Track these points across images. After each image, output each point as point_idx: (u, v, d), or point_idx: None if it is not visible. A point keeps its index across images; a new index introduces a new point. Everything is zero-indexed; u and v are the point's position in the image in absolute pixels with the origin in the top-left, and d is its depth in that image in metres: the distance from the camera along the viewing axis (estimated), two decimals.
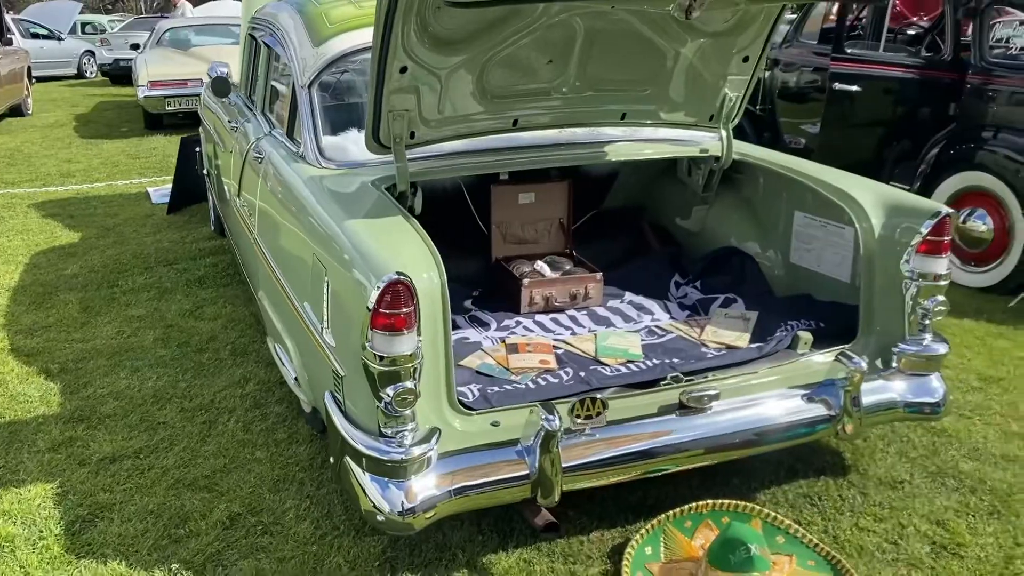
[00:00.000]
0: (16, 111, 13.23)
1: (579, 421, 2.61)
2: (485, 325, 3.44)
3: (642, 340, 3.25)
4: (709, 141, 3.69)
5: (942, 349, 3.12)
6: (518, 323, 3.44)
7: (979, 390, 3.97)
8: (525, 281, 3.52)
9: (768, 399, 2.91)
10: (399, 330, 2.37)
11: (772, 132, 6.98)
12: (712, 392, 2.79)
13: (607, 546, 2.83)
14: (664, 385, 2.84)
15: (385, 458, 2.45)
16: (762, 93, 7.07)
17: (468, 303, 3.62)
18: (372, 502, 2.48)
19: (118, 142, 10.83)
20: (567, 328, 3.41)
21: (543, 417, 2.50)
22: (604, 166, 4.09)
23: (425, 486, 2.49)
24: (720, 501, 2.91)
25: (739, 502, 2.92)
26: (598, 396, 2.64)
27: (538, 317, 3.49)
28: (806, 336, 3.12)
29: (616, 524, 2.93)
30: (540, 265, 3.70)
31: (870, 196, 3.19)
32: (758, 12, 3.27)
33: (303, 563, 2.75)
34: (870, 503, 3.07)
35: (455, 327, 3.37)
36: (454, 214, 3.83)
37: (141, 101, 11.38)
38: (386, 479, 2.47)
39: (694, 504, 2.89)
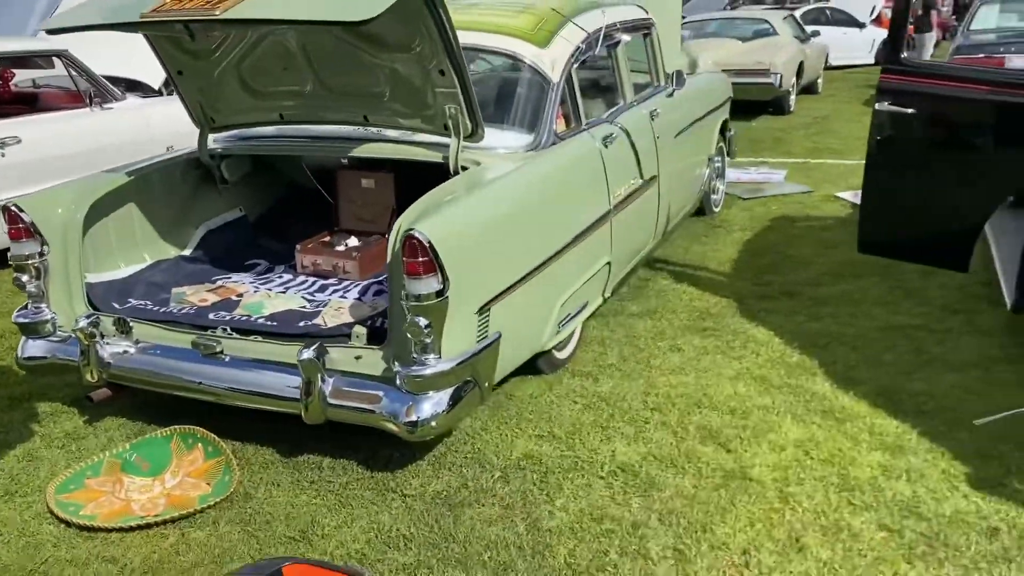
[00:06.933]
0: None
1: (115, 332, 3.59)
2: (267, 272, 4.35)
3: (300, 307, 3.82)
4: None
5: (430, 370, 3.09)
6: (279, 276, 4.26)
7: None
8: (298, 247, 4.31)
9: (269, 369, 3.39)
10: (15, 239, 3.71)
11: None
12: (212, 345, 3.44)
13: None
14: (209, 332, 3.54)
15: (18, 320, 3.83)
16: None
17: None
18: (17, 350, 3.89)
19: None
20: (292, 287, 4.10)
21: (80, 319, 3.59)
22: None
23: (40, 346, 3.80)
24: (209, 434, 3.56)
25: (216, 439, 3.51)
26: (125, 319, 3.57)
27: (301, 276, 4.24)
28: (359, 330, 3.39)
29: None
30: (350, 239, 4.38)
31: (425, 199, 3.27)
32: (414, 26, 3.40)
33: None
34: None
35: (251, 270, 4.38)
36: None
37: None
38: (24, 336, 3.86)
39: (190, 427, 3.62)
